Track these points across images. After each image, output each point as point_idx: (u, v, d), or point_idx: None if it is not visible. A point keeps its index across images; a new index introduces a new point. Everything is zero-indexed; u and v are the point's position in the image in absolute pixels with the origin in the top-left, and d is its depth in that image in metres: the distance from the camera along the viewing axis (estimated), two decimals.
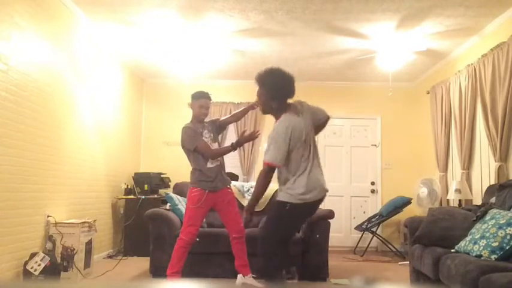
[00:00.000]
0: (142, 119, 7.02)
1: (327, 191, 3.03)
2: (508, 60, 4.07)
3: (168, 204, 4.64)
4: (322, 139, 6.69)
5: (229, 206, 3.78)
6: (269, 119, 6.93)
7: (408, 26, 4.71)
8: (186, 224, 3.65)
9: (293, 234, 3.24)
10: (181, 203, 4.58)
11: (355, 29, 4.85)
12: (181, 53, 5.61)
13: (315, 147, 3.06)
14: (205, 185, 3.67)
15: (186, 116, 6.79)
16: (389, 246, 6.13)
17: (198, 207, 3.63)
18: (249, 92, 7.05)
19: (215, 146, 3.81)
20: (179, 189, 5.05)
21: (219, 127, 3.96)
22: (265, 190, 3.01)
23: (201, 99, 3.73)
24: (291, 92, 3.09)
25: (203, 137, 3.72)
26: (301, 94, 7.48)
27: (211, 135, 3.80)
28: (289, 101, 3.12)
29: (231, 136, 6.88)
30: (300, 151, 2.95)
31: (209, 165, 3.69)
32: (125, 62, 6.11)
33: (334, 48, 5.48)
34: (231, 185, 5.14)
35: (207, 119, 3.88)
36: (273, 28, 4.86)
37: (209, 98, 3.78)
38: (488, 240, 2.83)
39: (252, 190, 5.11)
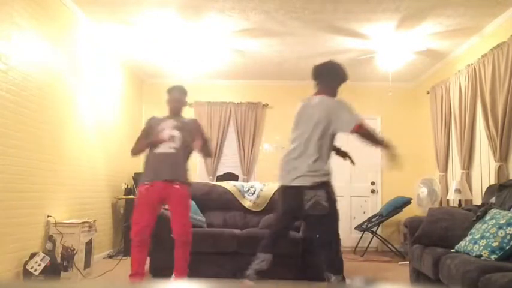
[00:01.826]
0: (142, 119, 7.01)
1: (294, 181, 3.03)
2: (508, 60, 4.07)
3: None
4: None
5: (176, 205, 3.52)
6: (269, 118, 6.96)
7: (408, 26, 4.71)
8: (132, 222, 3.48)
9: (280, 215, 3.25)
10: None
11: (355, 29, 4.85)
12: (181, 53, 5.61)
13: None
14: (145, 176, 3.48)
15: (186, 116, 6.80)
16: (389, 246, 6.13)
17: (139, 202, 3.46)
18: (249, 92, 7.08)
19: (173, 132, 3.51)
20: None
21: (192, 135, 3.60)
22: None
23: (170, 93, 3.71)
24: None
25: (163, 128, 3.51)
26: (302, 94, 7.50)
27: (177, 132, 3.52)
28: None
29: (231, 136, 6.89)
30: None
31: (157, 150, 3.47)
32: (125, 62, 6.10)
33: (334, 48, 5.48)
34: (232, 185, 5.16)
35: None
36: (273, 28, 4.86)
37: (180, 91, 3.70)
38: (488, 240, 2.83)
39: (254, 190, 5.12)
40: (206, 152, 3.68)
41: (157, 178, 3.42)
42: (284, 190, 3.13)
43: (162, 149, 3.46)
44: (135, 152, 3.61)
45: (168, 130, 3.52)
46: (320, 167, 3.02)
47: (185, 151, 3.59)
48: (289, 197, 3.09)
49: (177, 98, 3.69)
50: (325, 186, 3.00)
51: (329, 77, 3.28)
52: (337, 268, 3.04)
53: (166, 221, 4.30)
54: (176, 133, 3.52)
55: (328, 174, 3.05)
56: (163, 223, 4.30)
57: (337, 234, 3.11)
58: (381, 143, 3.13)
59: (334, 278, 3.01)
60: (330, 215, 3.00)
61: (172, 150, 3.46)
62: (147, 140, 3.56)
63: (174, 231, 3.50)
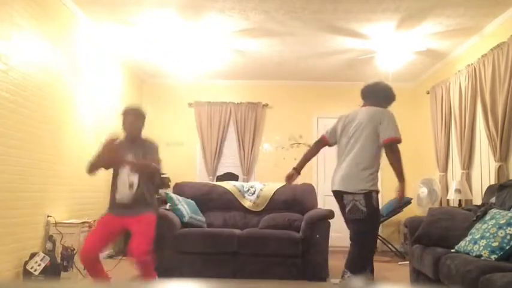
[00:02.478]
0: None
1: (337, 186, 3.20)
2: (508, 60, 4.07)
3: (168, 204, 4.64)
4: None
5: (136, 226, 3.21)
6: (269, 118, 6.95)
7: (408, 26, 4.71)
8: None
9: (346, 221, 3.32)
10: (181, 203, 4.58)
11: (355, 29, 4.85)
12: (181, 53, 5.61)
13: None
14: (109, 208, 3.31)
15: (186, 116, 6.82)
16: (389, 246, 6.13)
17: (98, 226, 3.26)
18: (249, 92, 7.08)
19: (132, 178, 3.22)
20: (179, 189, 5.06)
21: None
22: None
23: (124, 116, 3.30)
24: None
25: (121, 174, 3.23)
26: (302, 94, 7.50)
27: (135, 177, 3.25)
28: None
29: (231, 136, 6.89)
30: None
31: (117, 194, 3.24)
32: (125, 62, 6.10)
33: (334, 48, 5.48)
34: (232, 185, 5.16)
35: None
36: (273, 28, 4.86)
37: (132, 113, 3.31)
38: (488, 240, 2.83)
39: (254, 190, 5.12)
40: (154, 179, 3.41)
41: (120, 214, 3.22)
42: (333, 193, 3.30)
43: (119, 196, 3.23)
44: (92, 169, 3.28)
45: (127, 175, 3.24)
46: (362, 173, 3.11)
47: (147, 184, 3.31)
48: (337, 199, 3.27)
49: (130, 122, 3.30)
50: (366, 192, 3.09)
51: (378, 97, 3.39)
52: (356, 268, 3.12)
53: (167, 220, 4.31)
54: (135, 179, 3.24)
55: (371, 180, 3.12)
56: (164, 223, 4.31)
57: (373, 240, 3.25)
58: (402, 178, 3.15)
59: (348, 275, 3.11)
60: (368, 220, 3.10)
61: (129, 200, 3.21)
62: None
63: (130, 251, 3.12)
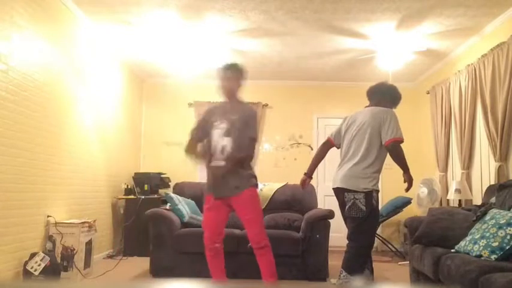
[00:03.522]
0: (142, 119, 7.02)
1: (339, 183, 3.26)
2: (508, 60, 4.07)
3: (168, 204, 4.64)
4: (322, 139, 6.69)
5: (242, 214, 3.19)
6: (269, 118, 6.95)
7: (408, 26, 4.71)
8: None
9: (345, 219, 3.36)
10: (181, 203, 4.58)
11: (355, 29, 4.85)
12: (181, 53, 5.61)
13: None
14: (206, 188, 3.22)
15: (186, 115, 6.82)
16: (389, 246, 6.13)
17: (206, 209, 3.21)
18: (249, 92, 7.05)
19: (223, 141, 3.05)
20: (179, 189, 5.05)
21: (245, 127, 3.10)
22: None
23: (219, 73, 3.04)
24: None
25: (213, 123, 3.10)
26: (302, 94, 7.50)
27: (227, 126, 3.06)
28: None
29: None
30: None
31: (210, 162, 3.08)
32: (125, 62, 6.11)
33: (334, 48, 5.48)
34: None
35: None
36: (273, 28, 4.86)
37: (229, 68, 3.09)
38: (488, 240, 2.83)
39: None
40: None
41: (214, 195, 3.14)
42: (334, 191, 3.36)
43: (213, 161, 3.10)
44: (188, 154, 3.22)
45: (218, 138, 3.07)
46: (364, 172, 3.18)
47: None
48: (337, 197, 3.33)
49: (227, 77, 3.10)
50: (368, 191, 3.15)
51: (383, 97, 3.40)
52: (353, 268, 3.18)
53: (167, 220, 4.31)
54: (227, 141, 3.05)
55: (373, 180, 3.18)
56: (164, 223, 4.31)
57: (370, 238, 3.30)
58: (407, 170, 3.31)
59: (344, 274, 3.18)
60: (367, 219, 3.16)
61: (222, 163, 3.02)
62: (201, 135, 3.19)
63: (249, 240, 3.17)
